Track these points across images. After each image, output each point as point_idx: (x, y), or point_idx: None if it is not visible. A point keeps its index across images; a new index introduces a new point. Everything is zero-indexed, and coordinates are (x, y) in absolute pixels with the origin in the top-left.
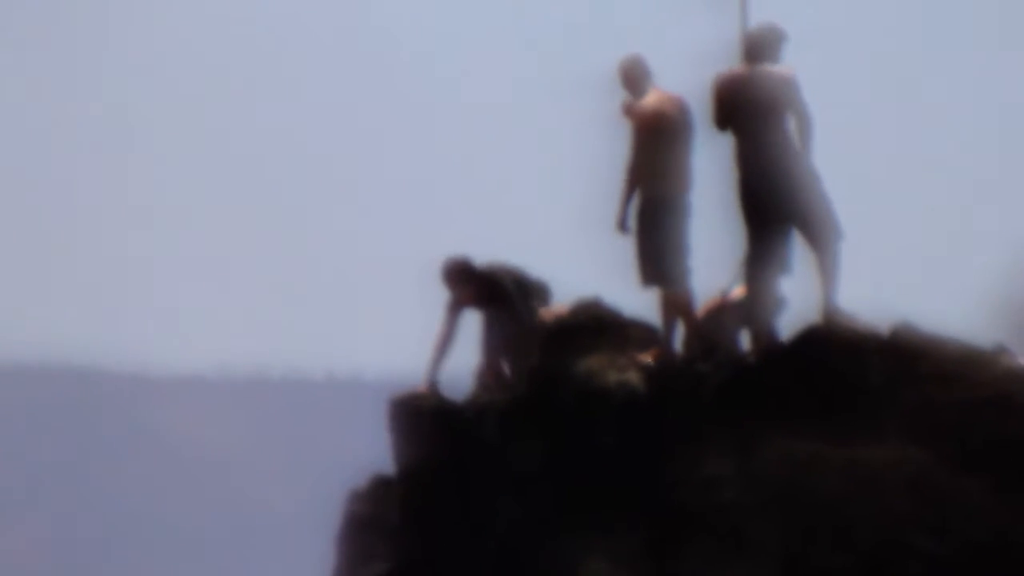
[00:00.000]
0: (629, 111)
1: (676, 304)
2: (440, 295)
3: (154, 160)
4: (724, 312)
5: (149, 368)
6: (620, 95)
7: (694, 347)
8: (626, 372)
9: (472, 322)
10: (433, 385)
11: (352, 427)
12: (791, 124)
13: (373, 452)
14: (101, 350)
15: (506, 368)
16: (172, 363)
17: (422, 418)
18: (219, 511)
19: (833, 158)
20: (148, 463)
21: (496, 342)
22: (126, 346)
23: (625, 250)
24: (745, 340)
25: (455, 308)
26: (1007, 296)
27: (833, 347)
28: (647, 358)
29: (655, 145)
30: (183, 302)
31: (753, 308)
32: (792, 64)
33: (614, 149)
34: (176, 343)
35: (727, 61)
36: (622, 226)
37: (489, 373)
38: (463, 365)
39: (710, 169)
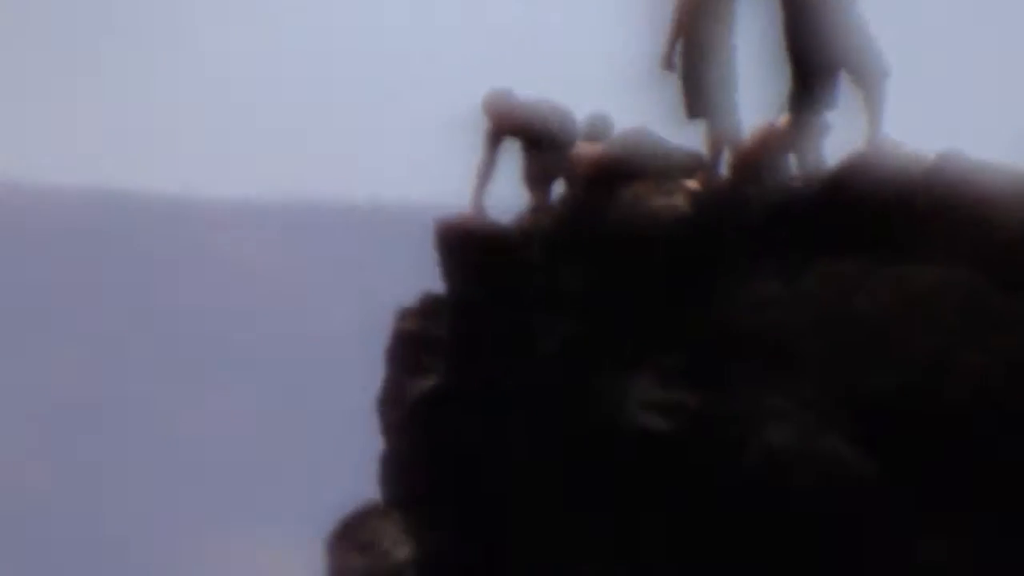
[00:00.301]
0: None
1: (722, 136)
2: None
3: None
4: (770, 138)
5: (195, 190)
6: None
7: (741, 173)
8: (672, 196)
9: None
10: (480, 209)
11: (400, 251)
12: None
13: (421, 275)
14: (143, 175)
15: (544, 198)
16: (218, 186)
17: (469, 240)
18: (274, 332)
19: None
20: (203, 286)
21: (537, 173)
22: (174, 169)
23: (671, 89)
24: (792, 166)
25: (495, 137)
26: None
27: (880, 171)
28: (693, 183)
29: None
30: (230, 127)
31: (799, 134)
32: None
33: None
34: (223, 168)
35: None
36: (668, 64)
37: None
38: (506, 194)
39: (755, 9)
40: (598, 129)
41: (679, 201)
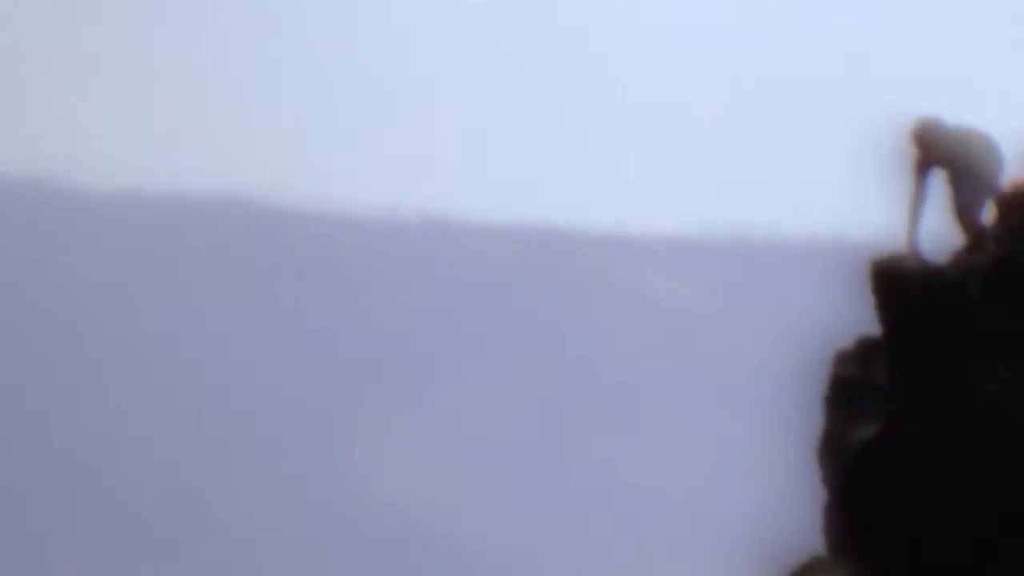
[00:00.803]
0: None
1: None
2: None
3: None
4: None
5: (627, 227)
6: None
7: None
8: None
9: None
10: (914, 247)
11: (831, 289)
12: None
13: (855, 315)
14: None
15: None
16: (650, 222)
17: (905, 281)
18: (690, 372)
19: None
20: (620, 326)
21: (965, 203)
22: (596, 205)
23: None
24: None
25: (923, 169)
26: None
27: None
28: None
29: None
30: (647, 160)
31: None
32: None
33: None
34: (642, 202)
35: None
36: None
37: (966, 234)
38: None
39: None
40: None
41: None
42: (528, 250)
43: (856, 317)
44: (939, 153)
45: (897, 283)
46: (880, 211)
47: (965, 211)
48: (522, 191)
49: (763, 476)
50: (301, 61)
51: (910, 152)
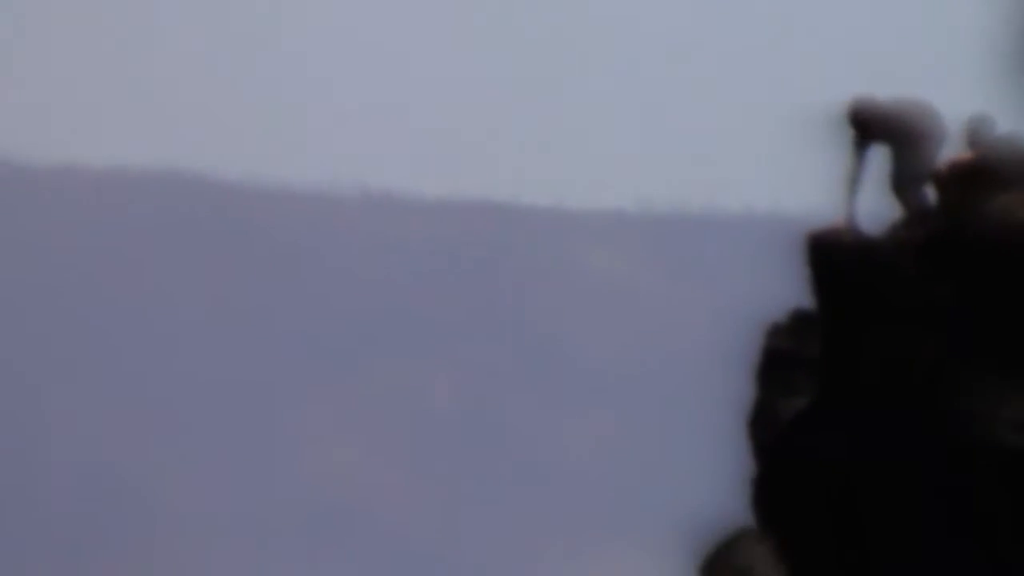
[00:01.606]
0: None
1: None
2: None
3: None
4: None
5: (566, 202)
6: None
7: None
8: None
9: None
10: (850, 221)
11: (767, 263)
12: None
13: (777, 287)
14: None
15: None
16: (590, 197)
17: (840, 254)
18: (628, 346)
19: None
20: (562, 301)
21: (904, 178)
22: (535, 181)
23: None
24: None
25: (861, 144)
26: None
27: None
28: None
29: None
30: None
31: None
32: None
33: None
34: (593, 179)
35: None
36: None
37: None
38: (873, 202)
39: None
40: (978, 132)
41: None
42: (467, 225)
43: (791, 290)
44: (877, 129)
45: (832, 256)
46: (816, 185)
47: (903, 186)
48: (461, 167)
49: (701, 449)
50: (240, 38)
51: (848, 128)
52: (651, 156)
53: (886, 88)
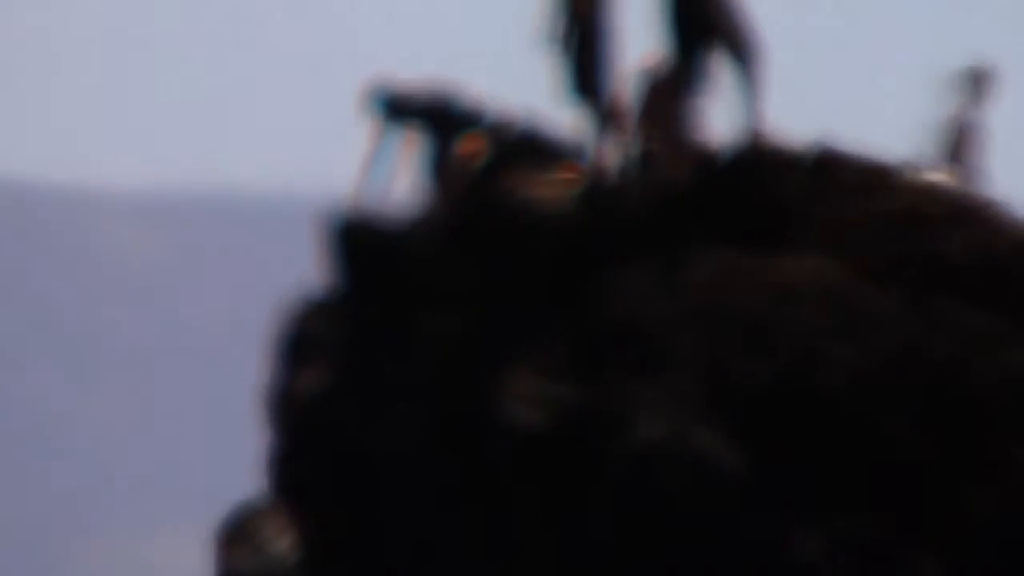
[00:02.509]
0: None
1: (604, 119)
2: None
3: None
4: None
5: (93, 181)
6: None
7: (624, 159)
8: (553, 186)
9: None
10: (363, 200)
11: (285, 243)
12: None
13: (306, 269)
14: (40, 165)
15: (437, 190)
16: (116, 176)
17: (356, 235)
18: (154, 327)
19: None
20: (86, 280)
21: (428, 166)
22: (65, 161)
23: (555, 68)
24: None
25: (381, 128)
26: (933, 115)
27: (755, 164)
28: (574, 174)
29: None
30: (119, 116)
31: (678, 125)
32: None
33: None
34: (112, 158)
35: None
36: (557, 39)
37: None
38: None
39: None
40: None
41: (558, 192)
42: None
43: (312, 272)
44: (400, 108)
45: (354, 237)
46: (335, 167)
47: (435, 169)
48: None
49: (223, 428)
50: None
51: (369, 112)
52: (169, 135)
53: (417, 67)
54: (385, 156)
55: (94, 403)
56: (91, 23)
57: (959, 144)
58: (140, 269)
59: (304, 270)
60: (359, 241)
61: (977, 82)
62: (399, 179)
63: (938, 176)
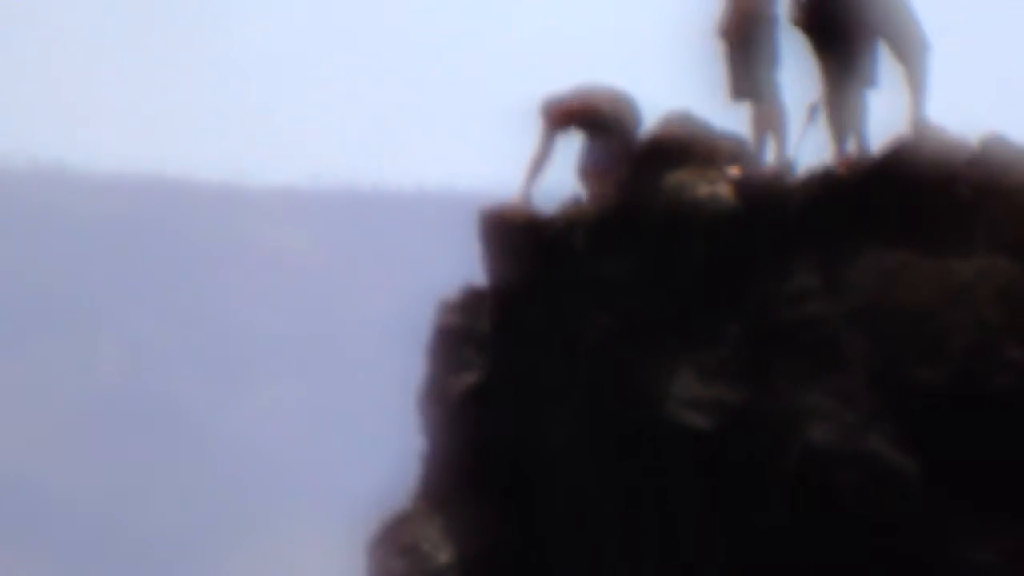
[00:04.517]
0: None
1: (766, 118)
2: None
3: None
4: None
5: (242, 178)
6: None
7: (785, 161)
8: (716, 185)
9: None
10: (525, 199)
11: (443, 240)
12: None
13: (464, 265)
14: (192, 162)
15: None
16: (264, 174)
17: (513, 230)
18: (303, 324)
19: None
20: (241, 274)
21: (590, 166)
22: (218, 157)
23: (715, 65)
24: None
25: (551, 134)
26: None
27: (921, 160)
28: (737, 171)
29: None
30: (276, 112)
31: (841, 121)
32: None
33: None
34: (268, 154)
35: None
36: (723, 35)
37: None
38: (558, 185)
39: None
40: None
41: (722, 191)
42: (138, 201)
43: (464, 267)
44: (566, 120)
45: (502, 233)
46: (492, 165)
47: (592, 170)
48: (134, 140)
49: (377, 425)
50: None
51: (540, 118)
52: (323, 133)
53: (583, 74)
54: (548, 155)
55: (244, 401)
56: (246, 34)
57: None
58: (288, 265)
59: (450, 265)
60: (514, 235)
61: None
62: (557, 179)
63: None
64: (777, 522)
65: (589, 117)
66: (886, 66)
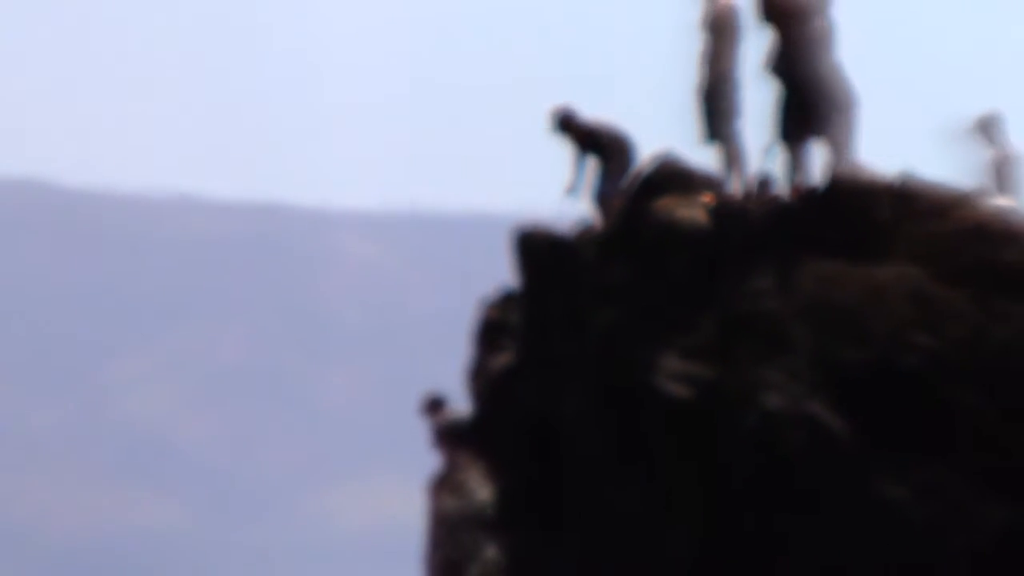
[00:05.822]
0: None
1: (731, 157)
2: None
3: None
4: None
5: (329, 203)
6: None
7: (745, 191)
8: (693, 209)
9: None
10: (560, 218)
11: (486, 252)
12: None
13: (501, 273)
14: (290, 189)
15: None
16: (344, 199)
17: (538, 245)
18: (379, 320)
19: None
20: (331, 278)
21: (604, 196)
22: (309, 184)
23: (692, 116)
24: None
25: (582, 153)
26: (979, 159)
27: (852, 189)
28: (709, 199)
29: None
30: (357, 147)
31: (790, 164)
32: None
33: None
34: (352, 179)
35: None
36: (702, 95)
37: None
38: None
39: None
40: (987, 128)
41: (697, 213)
42: (252, 222)
43: (504, 274)
44: (591, 142)
45: (531, 245)
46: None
47: (604, 200)
48: (249, 172)
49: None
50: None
51: (571, 142)
52: (416, 159)
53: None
54: (578, 180)
55: (337, 375)
56: (324, 66)
57: (1001, 178)
58: (368, 273)
59: (499, 273)
60: (539, 248)
61: (986, 129)
62: (581, 199)
63: (1000, 201)
64: (740, 469)
65: (617, 145)
66: (827, 116)
